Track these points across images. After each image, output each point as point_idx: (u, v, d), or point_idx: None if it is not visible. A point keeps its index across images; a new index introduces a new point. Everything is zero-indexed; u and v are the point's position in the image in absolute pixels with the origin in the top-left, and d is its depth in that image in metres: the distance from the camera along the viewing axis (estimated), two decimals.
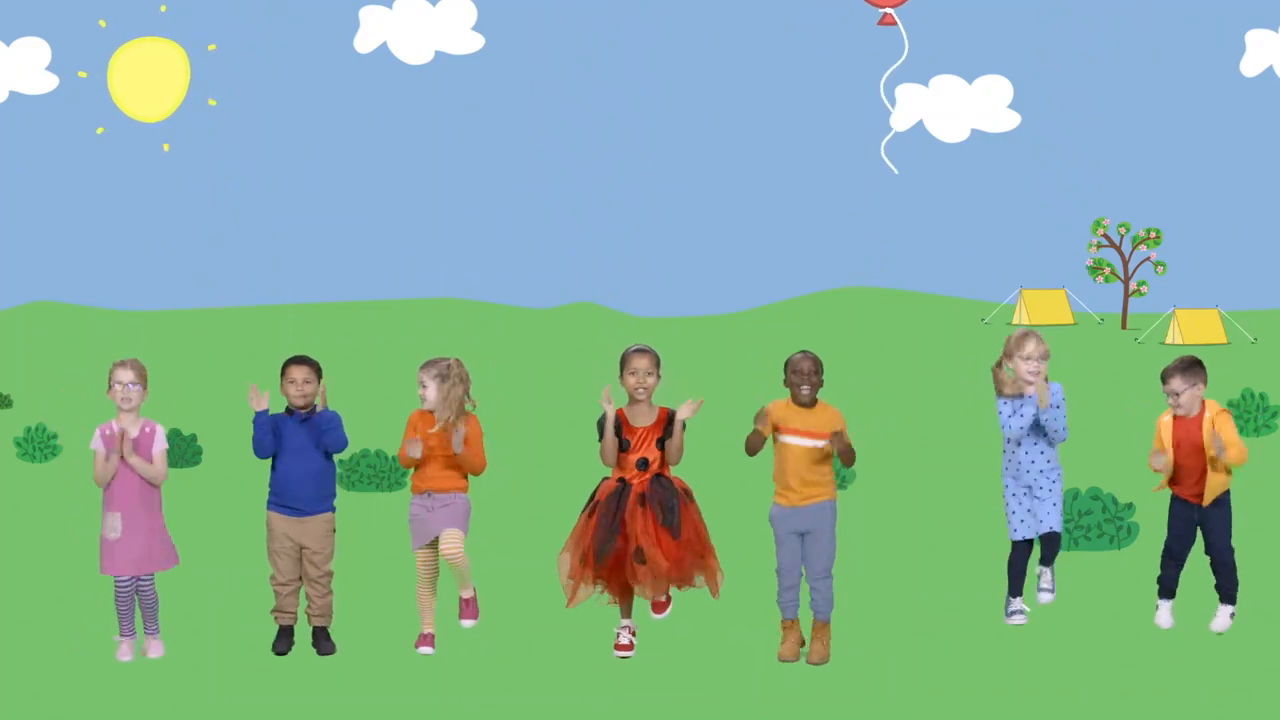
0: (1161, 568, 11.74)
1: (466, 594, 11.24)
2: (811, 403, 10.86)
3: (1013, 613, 11.95)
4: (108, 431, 10.82)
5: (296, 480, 11.06)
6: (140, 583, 11.08)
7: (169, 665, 10.80)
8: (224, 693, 10.32)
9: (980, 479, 15.44)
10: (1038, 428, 11.71)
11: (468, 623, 11.25)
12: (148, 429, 10.85)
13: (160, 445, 10.87)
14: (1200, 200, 29.95)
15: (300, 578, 11.17)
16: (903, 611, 11.95)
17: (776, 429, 10.85)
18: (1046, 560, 11.95)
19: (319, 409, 11.11)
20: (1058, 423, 11.69)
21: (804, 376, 10.78)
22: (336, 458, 15.72)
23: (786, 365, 10.85)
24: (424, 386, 11.10)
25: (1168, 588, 11.74)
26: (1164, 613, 11.71)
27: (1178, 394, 11.52)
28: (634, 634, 11.07)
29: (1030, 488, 11.74)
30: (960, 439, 18.73)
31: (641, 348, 10.92)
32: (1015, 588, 11.93)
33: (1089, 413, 20.54)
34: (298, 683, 10.54)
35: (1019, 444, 11.74)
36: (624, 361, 10.88)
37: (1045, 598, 11.98)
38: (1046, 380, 11.70)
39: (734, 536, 11.21)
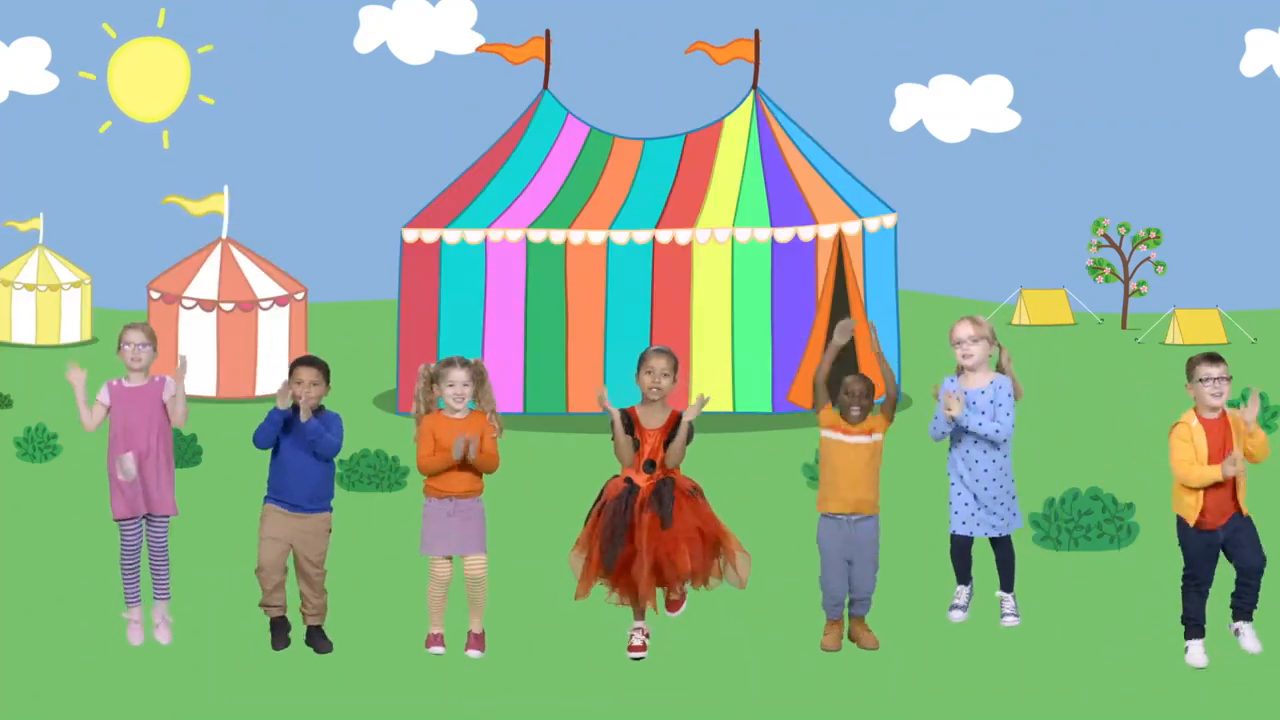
0: (1187, 602, 10.68)
1: (477, 629, 11.14)
2: (859, 422, 11.09)
3: (953, 607, 11.88)
4: (114, 384, 11.12)
5: (297, 477, 11.03)
6: (152, 529, 11.15)
7: (168, 665, 10.81)
8: (222, 692, 10.32)
9: None
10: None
11: (474, 653, 11.06)
12: (156, 379, 11.15)
13: (170, 390, 11.10)
14: (1200, 200, 29.90)
15: (284, 569, 11.10)
16: (902, 612, 11.95)
17: (824, 428, 11.13)
18: (1005, 586, 11.73)
19: (321, 411, 11.08)
20: (984, 428, 11.33)
21: (855, 398, 11.02)
22: (335, 458, 15.70)
23: (840, 385, 11.04)
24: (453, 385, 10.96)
25: (1198, 625, 10.68)
26: (1197, 652, 10.69)
27: (1228, 379, 10.40)
28: (647, 635, 11.05)
29: (978, 494, 11.54)
30: None
31: (660, 349, 10.91)
32: (961, 576, 11.86)
33: (1089, 412, 20.53)
34: (297, 682, 10.54)
35: (974, 440, 11.49)
36: (641, 360, 10.88)
37: (1010, 621, 11.70)
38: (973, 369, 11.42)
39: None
